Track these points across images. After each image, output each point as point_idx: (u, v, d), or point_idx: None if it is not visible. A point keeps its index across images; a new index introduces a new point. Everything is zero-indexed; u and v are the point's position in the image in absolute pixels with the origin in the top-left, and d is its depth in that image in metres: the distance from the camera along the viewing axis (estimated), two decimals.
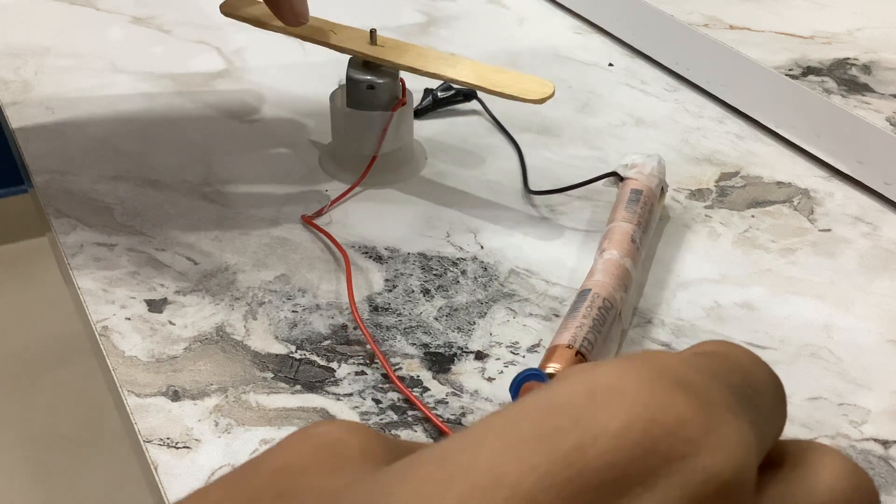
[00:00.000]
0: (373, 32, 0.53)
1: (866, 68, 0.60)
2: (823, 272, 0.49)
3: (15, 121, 0.60)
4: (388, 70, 0.53)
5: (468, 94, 0.61)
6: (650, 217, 0.48)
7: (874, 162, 0.54)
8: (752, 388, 0.16)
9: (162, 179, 0.55)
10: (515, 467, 0.13)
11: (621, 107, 0.63)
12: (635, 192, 0.49)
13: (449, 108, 0.61)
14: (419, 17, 0.74)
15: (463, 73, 0.51)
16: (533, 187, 0.54)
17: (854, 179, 0.56)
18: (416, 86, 0.62)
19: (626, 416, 0.14)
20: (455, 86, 0.61)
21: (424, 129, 0.59)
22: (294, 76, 0.66)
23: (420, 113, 0.60)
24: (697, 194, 0.55)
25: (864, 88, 0.58)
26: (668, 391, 0.14)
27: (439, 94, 0.61)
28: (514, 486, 0.13)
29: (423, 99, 0.61)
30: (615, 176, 0.51)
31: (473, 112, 0.61)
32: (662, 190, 0.51)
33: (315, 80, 0.64)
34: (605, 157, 0.58)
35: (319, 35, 0.53)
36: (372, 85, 0.52)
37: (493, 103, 0.62)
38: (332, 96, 0.54)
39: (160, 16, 0.74)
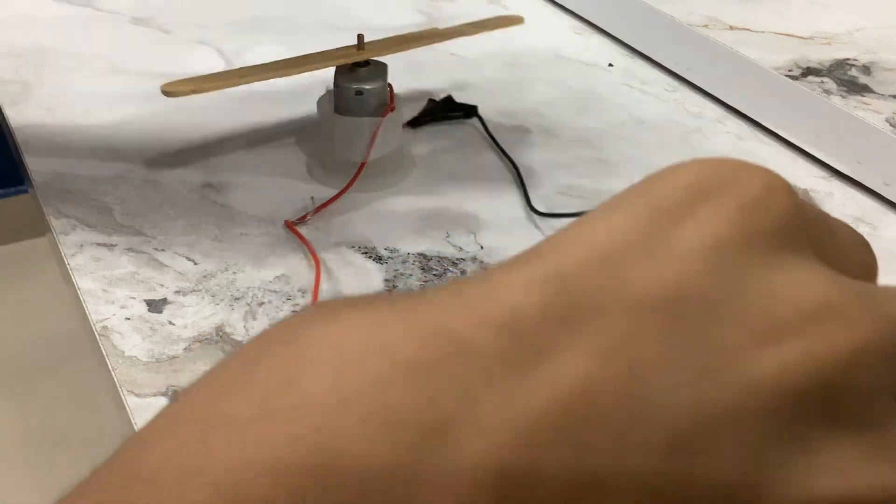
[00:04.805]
0: (360, 38, 0.52)
1: (866, 69, 0.60)
2: None
3: (15, 121, 0.60)
4: (377, 76, 0.52)
5: (469, 110, 0.60)
6: None
7: (874, 162, 0.54)
8: (828, 225, 0.20)
9: (162, 179, 0.55)
10: (623, 216, 0.18)
11: (621, 107, 0.63)
12: None
13: (448, 123, 0.60)
14: (419, 18, 0.74)
15: (442, 33, 0.52)
16: (533, 188, 0.54)
17: (854, 180, 0.56)
18: (418, 94, 0.61)
19: (688, 174, 0.18)
20: (457, 100, 0.60)
21: (422, 139, 0.59)
22: (294, 77, 0.66)
23: (416, 123, 0.59)
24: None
25: (863, 89, 0.58)
26: (720, 160, 0.18)
27: (438, 107, 0.59)
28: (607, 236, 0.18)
29: (423, 109, 0.59)
30: None
31: (472, 127, 0.60)
32: None
33: (315, 82, 0.64)
34: (605, 158, 0.58)
35: (291, 67, 0.53)
36: (360, 91, 0.52)
37: (492, 124, 0.62)
38: (320, 102, 0.54)
39: (160, 16, 0.74)
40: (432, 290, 0.17)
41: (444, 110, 0.60)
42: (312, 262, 0.48)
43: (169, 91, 0.51)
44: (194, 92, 0.52)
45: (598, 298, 0.17)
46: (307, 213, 0.51)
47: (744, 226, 0.18)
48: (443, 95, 0.60)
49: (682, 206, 0.18)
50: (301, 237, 0.49)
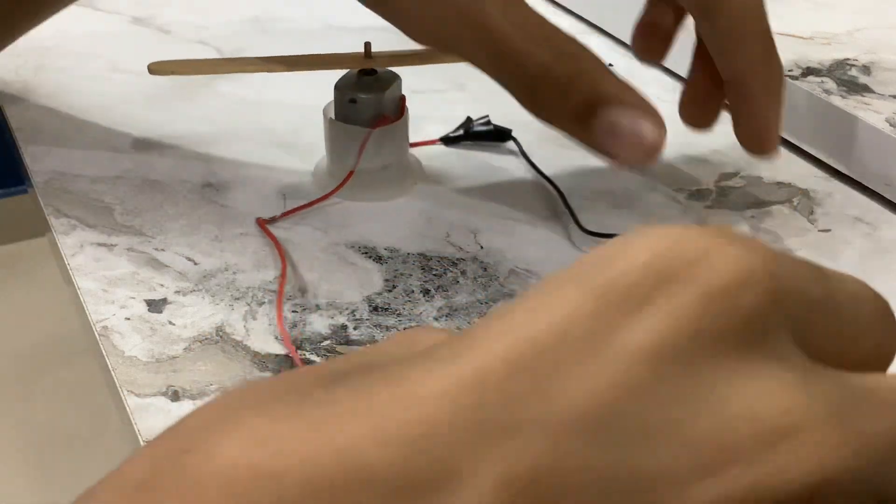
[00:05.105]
0: (367, 46, 0.52)
1: (866, 69, 0.60)
2: None
3: (15, 121, 0.60)
4: (376, 87, 0.52)
5: (502, 134, 0.58)
6: None
7: (874, 162, 0.54)
8: (829, 295, 0.17)
9: (162, 179, 0.55)
10: (567, 300, 0.16)
11: None
12: None
13: (483, 143, 0.58)
14: None
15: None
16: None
17: (854, 180, 0.56)
18: (455, 113, 0.61)
19: (648, 250, 0.16)
20: (494, 123, 0.58)
21: (448, 155, 0.58)
22: (296, 78, 0.66)
23: (450, 141, 0.58)
24: (697, 194, 0.55)
25: (863, 89, 0.58)
26: (689, 232, 0.16)
27: (475, 127, 0.58)
28: (558, 315, 0.16)
29: (458, 128, 0.58)
30: None
31: (506, 149, 0.59)
32: None
33: (318, 84, 0.64)
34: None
35: (287, 64, 0.53)
36: (354, 99, 0.51)
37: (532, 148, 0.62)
38: (326, 107, 0.53)
39: (160, 16, 0.74)
40: (352, 387, 0.16)
41: (479, 130, 0.58)
42: (311, 263, 0.48)
43: (154, 70, 0.52)
44: (173, 73, 0.53)
45: (517, 413, 0.14)
46: (274, 217, 0.51)
47: (702, 324, 0.15)
48: (481, 117, 0.58)
49: (634, 293, 0.15)
50: (271, 235, 0.49)
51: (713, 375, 0.15)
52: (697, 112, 0.49)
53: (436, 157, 0.57)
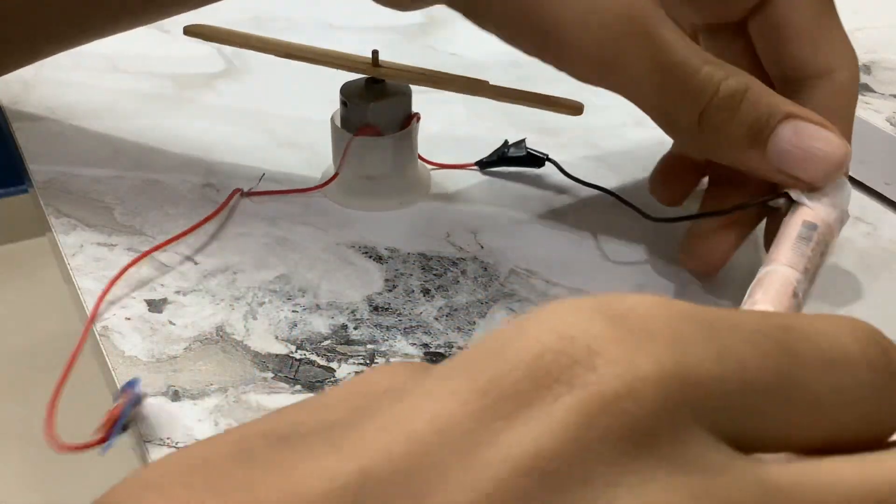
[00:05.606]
0: (374, 54, 0.51)
1: (866, 68, 0.60)
2: (823, 272, 0.49)
3: (15, 121, 0.60)
4: (371, 96, 0.51)
5: (536, 160, 0.56)
6: (820, 262, 0.38)
7: (874, 162, 0.54)
8: (798, 365, 0.16)
9: (162, 179, 0.55)
10: (453, 394, 0.15)
11: (621, 107, 0.63)
12: (808, 226, 0.37)
13: (520, 168, 0.56)
14: (419, 18, 0.74)
15: (480, 87, 0.51)
16: (537, 187, 0.54)
17: (854, 179, 0.56)
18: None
19: (537, 343, 0.15)
20: (530, 149, 0.56)
21: (473, 178, 0.57)
22: (297, 77, 0.66)
23: (486, 164, 0.56)
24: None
25: (864, 88, 0.58)
26: (583, 322, 0.15)
27: (510, 151, 0.56)
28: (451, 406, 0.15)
29: (493, 153, 0.56)
30: (786, 198, 0.39)
31: (540, 175, 0.57)
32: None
33: (318, 83, 0.64)
34: (604, 158, 0.58)
35: (315, 55, 0.53)
36: (346, 102, 0.51)
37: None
38: (335, 113, 0.53)
39: None
40: (251, 474, 0.15)
41: (514, 155, 0.56)
42: (312, 262, 0.48)
43: (188, 31, 0.55)
44: (204, 38, 0.55)
45: None
46: (247, 191, 0.52)
47: (583, 434, 0.14)
48: (517, 141, 0.56)
49: (517, 394, 0.15)
50: (223, 205, 0.51)
51: (591, 490, 0.14)
52: (669, 189, 0.48)
53: (460, 181, 0.56)
